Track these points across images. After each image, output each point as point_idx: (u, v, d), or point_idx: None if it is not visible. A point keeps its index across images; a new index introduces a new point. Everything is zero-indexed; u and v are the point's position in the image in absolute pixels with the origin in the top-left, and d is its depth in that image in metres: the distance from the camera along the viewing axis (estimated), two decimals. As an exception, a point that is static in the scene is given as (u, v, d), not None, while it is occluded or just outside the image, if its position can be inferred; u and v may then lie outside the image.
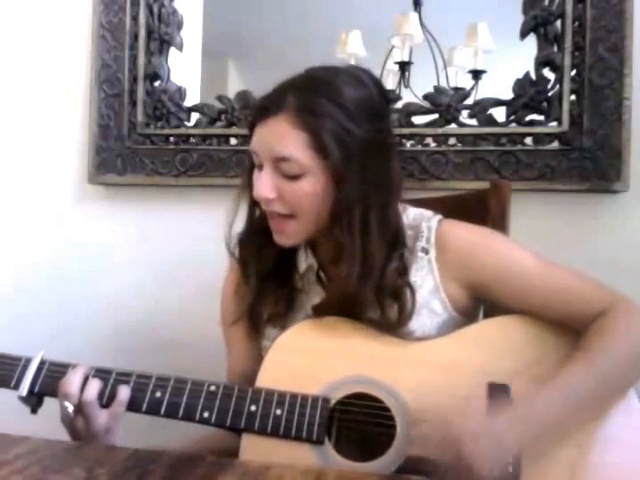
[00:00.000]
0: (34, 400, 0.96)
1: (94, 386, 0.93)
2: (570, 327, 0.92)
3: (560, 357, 0.89)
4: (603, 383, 0.86)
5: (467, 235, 1.00)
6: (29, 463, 0.73)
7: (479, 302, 1.02)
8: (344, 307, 0.96)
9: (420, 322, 0.97)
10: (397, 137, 1.39)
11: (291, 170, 0.92)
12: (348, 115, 0.91)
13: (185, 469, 0.74)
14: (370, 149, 0.92)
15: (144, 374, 0.95)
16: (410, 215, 1.02)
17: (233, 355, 1.11)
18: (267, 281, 1.03)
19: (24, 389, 0.95)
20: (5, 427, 0.93)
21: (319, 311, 0.99)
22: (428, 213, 1.03)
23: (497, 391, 0.87)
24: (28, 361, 0.97)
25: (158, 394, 0.93)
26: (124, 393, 0.93)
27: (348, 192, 0.91)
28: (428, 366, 0.92)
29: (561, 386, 0.84)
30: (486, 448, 0.78)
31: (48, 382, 0.95)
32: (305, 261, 1.05)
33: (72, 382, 0.93)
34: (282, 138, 0.91)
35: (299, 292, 1.04)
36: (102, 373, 0.96)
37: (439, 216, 1.02)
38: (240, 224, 1.03)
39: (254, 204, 1.00)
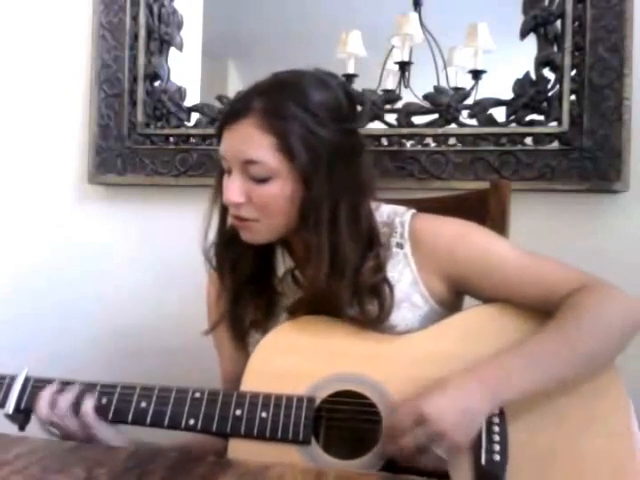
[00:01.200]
0: (21, 417, 0.97)
1: (63, 400, 0.94)
2: (549, 311, 0.92)
3: None
4: (570, 349, 0.87)
5: (441, 228, 1.00)
6: (29, 463, 0.73)
7: (459, 294, 1.03)
8: (320, 305, 0.96)
9: (402, 316, 0.98)
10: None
11: (259, 173, 0.92)
12: (315, 118, 0.92)
13: (185, 469, 0.73)
14: (337, 151, 0.93)
15: (128, 385, 0.95)
16: (384, 213, 1.03)
17: (223, 361, 1.12)
18: (245, 287, 1.03)
19: (10, 407, 0.96)
20: (5, 427, 0.94)
21: (293, 310, 0.99)
22: (401, 209, 1.03)
23: None
24: (12, 379, 0.98)
25: (143, 404, 0.93)
26: (88, 403, 0.93)
27: (315, 193, 0.92)
28: (412, 359, 0.92)
29: (528, 351, 0.86)
30: (454, 419, 0.81)
31: (33, 399, 0.96)
32: (283, 264, 1.05)
33: (41, 400, 0.94)
34: (249, 141, 0.92)
35: (279, 295, 1.04)
36: (89, 387, 0.96)
37: (412, 211, 1.02)
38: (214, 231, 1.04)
39: (225, 209, 1.00)
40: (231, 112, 0.95)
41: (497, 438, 0.85)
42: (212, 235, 1.03)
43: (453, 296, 1.01)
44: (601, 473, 0.85)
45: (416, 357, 0.93)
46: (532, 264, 0.96)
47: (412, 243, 0.99)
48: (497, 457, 0.84)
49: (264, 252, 1.03)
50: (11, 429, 0.89)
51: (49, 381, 0.97)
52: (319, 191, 0.92)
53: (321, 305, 0.96)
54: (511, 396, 0.85)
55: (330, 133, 0.93)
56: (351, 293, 0.95)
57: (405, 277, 0.99)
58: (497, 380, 0.84)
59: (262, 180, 0.93)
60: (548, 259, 0.97)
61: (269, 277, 1.05)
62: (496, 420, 0.86)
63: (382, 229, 1.00)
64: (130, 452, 0.79)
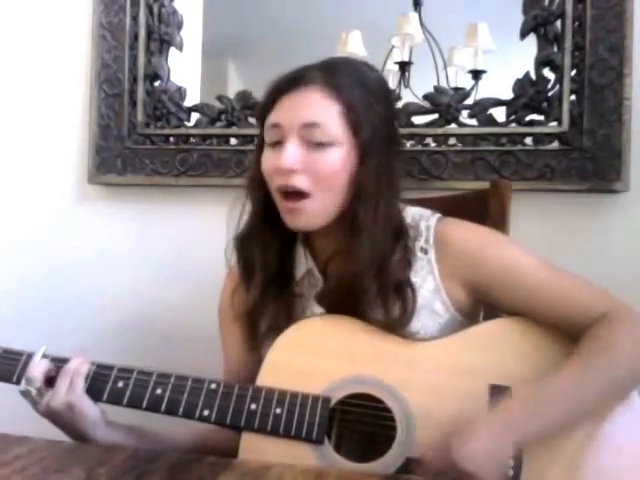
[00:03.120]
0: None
1: (42, 365, 0.94)
2: (569, 331, 0.91)
3: (559, 361, 0.88)
4: (596, 387, 0.85)
5: (467, 235, 0.99)
6: (29, 463, 0.73)
7: (479, 303, 1.01)
8: (346, 296, 0.95)
9: (422, 323, 0.97)
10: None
11: (320, 137, 0.91)
12: (374, 95, 0.95)
13: (185, 469, 0.74)
14: (389, 131, 0.96)
15: (145, 371, 0.95)
16: (409, 214, 1.01)
17: (228, 361, 1.11)
18: (268, 288, 1.01)
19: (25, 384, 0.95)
20: (5, 427, 0.94)
21: (322, 298, 0.98)
22: (427, 212, 1.02)
23: (499, 393, 0.88)
24: (30, 356, 0.97)
25: (159, 391, 0.93)
26: (75, 361, 0.94)
27: (371, 171, 0.93)
28: (430, 367, 0.92)
29: (555, 388, 0.84)
30: (484, 464, 0.78)
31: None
32: (305, 265, 1.03)
33: (34, 368, 0.94)
34: (315, 104, 0.92)
35: (298, 298, 1.03)
36: (103, 369, 0.96)
37: (438, 215, 1.01)
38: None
39: (262, 199, 0.98)
40: (291, 80, 0.94)
41: (511, 472, 0.84)
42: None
43: (474, 305, 1.00)
44: None
45: (435, 365, 0.92)
46: (557, 282, 0.94)
47: (437, 249, 0.98)
48: None
49: (286, 250, 1.02)
50: (12, 429, 0.89)
51: (66, 360, 0.96)
52: (374, 168, 0.93)
53: (347, 297, 0.94)
54: (535, 437, 0.83)
55: (386, 111, 0.95)
56: (377, 288, 0.94)
57: (428, 284, 0.98)
58: (524, 422, 0.82)
59: (321, 145, 0.91)
60: (572, 276, 0.95)
61: (290, 277, 1.04)
62: (511, 463, 0.84)
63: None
64: (130, 452, 0.79)
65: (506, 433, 0.81)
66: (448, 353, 0.93)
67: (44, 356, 0.97)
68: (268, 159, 0.95)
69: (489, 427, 0.82)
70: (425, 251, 0.98)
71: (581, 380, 0.84)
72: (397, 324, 0.94)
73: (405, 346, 0.94)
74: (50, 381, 0.95)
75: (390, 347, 0.94)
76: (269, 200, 0.98)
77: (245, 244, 1.02)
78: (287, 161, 0.91)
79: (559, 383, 0.85)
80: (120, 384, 0.94)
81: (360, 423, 0.91)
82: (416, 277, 0.97)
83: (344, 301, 0.95)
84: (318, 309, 1.00)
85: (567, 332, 0.91)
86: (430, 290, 0.98)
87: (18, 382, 0.95)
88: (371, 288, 0.93)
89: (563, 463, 0.85)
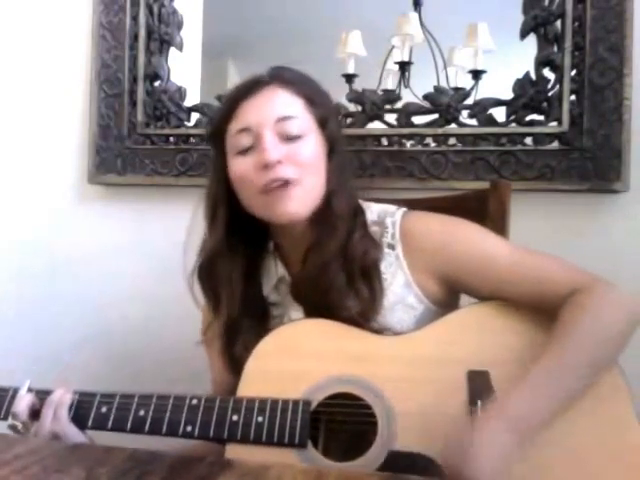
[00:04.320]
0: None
1: (26, 399, 0.95)
2: (546, 310, 0.90)
3: (538, 342, 0.88)
4: (577, 365, 0.84)
5: (432, 226, 0.99)
6: (29, 463, 0.73)
7: (454, 291, 1.01)
8: (316, 287, 0.95)
9: (398, 318, 0.97)
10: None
11: (295, 130, 0.94)
12: (322, 92, 1.00)
13: (185, 469, 0.73)
14: (339, 127, 1.03)
15: (127, 394, 0.95)
16: (374, 211, 1.02)
17: (213, 372, 1.11)
18: (239, 310, 1.00)
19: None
20: (5, 427, 0.94)
21: (294, 289, 1.00)
22: (392, 208, 1.02)
23: (476, 378, 0.87)
24: (16, 391, 0.98)
25: (142, 412, 0.93)
26: (58, 393, 0.95)
27: (339, 160, 0.99)
28: (407, 360, 0.92)
29: (545, 370, 0.83)
30: (490, 470, 0.76)
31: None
32: (275, 275, 1.04)
33: (18, 403, 0.95)
34: (283, 99, 0.95)
35: (273, 307, 1.03)
36: (86, 396, 0.96)
37: (403, 209, 1.01)
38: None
39: (227, 211, 0.99)
40: (247, 87, 0.97)
41: None
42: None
43: (448, 295, 1.00)
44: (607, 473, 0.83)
45: (411, 358, 0.92)
46: (526, 261, 0.94)
47: (403, 244, 0.98)
48: None
49: (251, 268, 1.03)
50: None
51: (48, 392, 0.97)
52: (341, 159, 0.99)
53: (317, 288, 0.95)
54: (535, 432, 0.81)
55: (333, 106, 1.02)
56: (345, 276, 0.95)
57: (398, 279, 0.98)
58: (524, 422, 0.80)
59: (296, 137, 0.94)
60: (543, 255, 0.95)
61: (259, 295, 1.04)
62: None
63: (373, 228, 1.00)
64: (130, 452, 0.79)
65: (511, 435, 0.79)
66: (425, 345, 0.93)
67: (29, 390, 0.97)
68: (241, 164, 0.95)
69: (493, 432, 0.79)
70: (392, 247, 0.99)
71: (565, 362, 0.83)
72: (369, 308, 0.95)
73: (382, 342, 0.94)
74: (35, 414, 0.96)
75: (367, 345, 0.94)
76: (233, 219, 0.99)
77: (208, 272, 1.02)
78: (272, 154, 0.92)
79: (547, 365, 0.83)
80: (104, 409, 0.94)
81: (343, 423, 0.91)
82: (386, 273, 0.98)
83: (315, 294, 0.96)
84: (295, 314, 1.01)
85: (546, 311, 0.90)
86: (401, 285, 0.98)
87: (6, 417, 0.96)
88: (338, 276, 0.95)
89: (560, 438, 0.84)
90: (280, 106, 0.94)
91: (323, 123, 0.97)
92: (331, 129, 0.98)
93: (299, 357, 0.94)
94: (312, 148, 0.95)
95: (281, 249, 1.04)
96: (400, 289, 0.98)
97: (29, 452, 0.76)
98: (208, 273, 1.02)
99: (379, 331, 0.95)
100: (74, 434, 0.94)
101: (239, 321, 1.01)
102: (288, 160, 0.93)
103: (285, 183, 0.93)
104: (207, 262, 1.02)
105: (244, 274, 1.01)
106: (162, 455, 0.77)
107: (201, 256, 1.02)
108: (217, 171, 1.00)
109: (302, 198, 0.95)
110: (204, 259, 1.02)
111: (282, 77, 0.97)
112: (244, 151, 0.95)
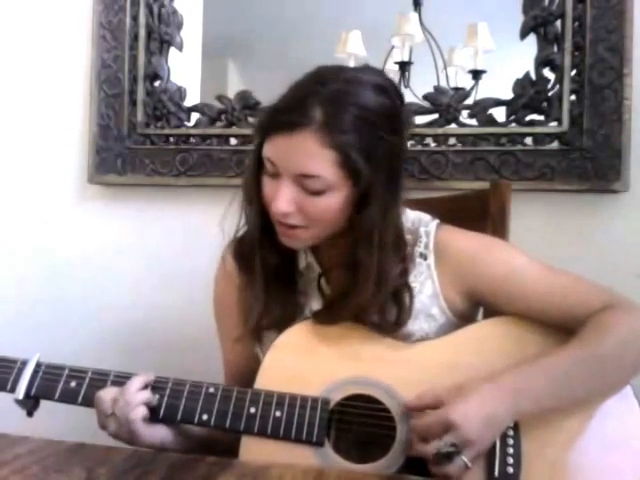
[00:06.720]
0: (30, 403, 0.97)
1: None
2: (573, 329, 0.90)
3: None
4: (591, 372, 0.86)
5: (466, 243, 0.99)
6: (29, 463, 0.73)
7: (477, 306, 1.03)
8: (345, 295, 0.95)
9: (419, 326, 0.98)
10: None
11: (315, 186, 0.88)
12: (375, 129, 0.88)
13: (185, 469, 0.74)
14: (392, 159, 0.91)
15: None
16: (409, 219, 1.01)
17: (226, 353, 1.11)
18: (272, 285, 0.99)
19: (20, 392, 0.95)
20: (5, 427, 0.94)
21: (320, 318, 0.97)
22: (426, 217, 1.02)
23: None
24: (24, 364, 0.97)
25: (156, 397, 0.92)
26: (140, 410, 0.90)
27: (374, 211, 0.90)
28: (427, 367, 0.92)
29: (549, 367, 0.86)
30: (481, 426, 0.80)
31: (44, 385, 0.95)
32: (305, 259, 1.03)
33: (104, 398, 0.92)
34: (310, 156, 0.86)
35: (299, 294, 1.02)
36: (99, 375, 0.96)
37: (437, 221, 1.01)
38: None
39: (263, 207, 0.96)
40: (287, 121, 0.87)
41: (511, 450, 0.85)
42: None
43: (471, 309, 1.01)
44: None
45: (429, 364, 0.92)
46: (555, 282, 0.95)
47: (436, 256, 0.98)
48: (510, 469, 0.84)
49: (289, 249, 1.00)
50: (12, 429, 0.89)
51: (61, 367, 0.97)
52: (375, 202, 0.89)
53: (346, 299, 0.94)
54: (530, 409, 0.84)
55: (388, 142, 0.89)
56: (375, 297, 0.93)
57: (426, 289, 0.98)
58: (518, 391, 0.83)
59: (316, 192, 0.88)
60: (571, 276, 0.96)
61: (293, 273, 1.03)
62: (510, 432, 0.85)
63: (406, 236, 0.98)
64: (130, 452, 0.79)
65: (500, 400, 0.82)
66: (444, 352, 0.94)
67: (38, 364, 0.97)
68: (266, 186, 0.93)
69: (481, 392, 0.82)
70: (424, 257, 0.99)
71: (580, 363, 0.85)
72: (393, 327, 0.95)
73: (402, 347, 0.95)
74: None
75: (385, 349, 0.94)
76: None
77: (245, 242, 1.01)
78: (282, 207, 0.89)
79: (553, 361, 0.86)
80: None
81: (359, 424, 0.91)
82: (415, 282, 0.98)
83: (342, 301, 0.95)
84: (317, 305, 1.00)
85: (572, 329, 0.91)
86: (429, 295, 0.98)
87: (12, 390, 0.95)
88: (370, 303, 0.94)
89: (561, 441, 0.86)
90: (305, 162, 0.87)
91: (356, 177, 0.88)
92: (366, 181, 0.88)
93: (318, 355, 0.94)
94: (331, 204, 0.89)
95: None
96: (427, 299, 0.98)
97: (29, 452, 0.76)
98: (245, 242, 1.01)
99: (399, 337, 0.95)
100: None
101: (268, 295, 0.99)
102: (299, 211, 0.90)
103: (291, 226, 0.92)
104: (245, 233, 1.01)
105: (279, 251, 0.99)
106: (162, 455, 0.77)
107: (239, 227, 1.01)
108: (254, 161, 0.96)
109: (305, 240, 0.95)
110: (243, 229, 1.01)
111: (326, 117, 0.86)
112: (271, 174, 0.92)
